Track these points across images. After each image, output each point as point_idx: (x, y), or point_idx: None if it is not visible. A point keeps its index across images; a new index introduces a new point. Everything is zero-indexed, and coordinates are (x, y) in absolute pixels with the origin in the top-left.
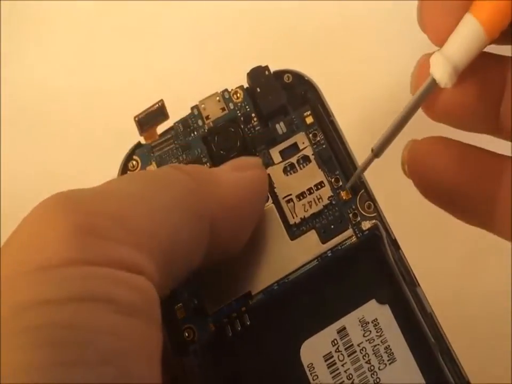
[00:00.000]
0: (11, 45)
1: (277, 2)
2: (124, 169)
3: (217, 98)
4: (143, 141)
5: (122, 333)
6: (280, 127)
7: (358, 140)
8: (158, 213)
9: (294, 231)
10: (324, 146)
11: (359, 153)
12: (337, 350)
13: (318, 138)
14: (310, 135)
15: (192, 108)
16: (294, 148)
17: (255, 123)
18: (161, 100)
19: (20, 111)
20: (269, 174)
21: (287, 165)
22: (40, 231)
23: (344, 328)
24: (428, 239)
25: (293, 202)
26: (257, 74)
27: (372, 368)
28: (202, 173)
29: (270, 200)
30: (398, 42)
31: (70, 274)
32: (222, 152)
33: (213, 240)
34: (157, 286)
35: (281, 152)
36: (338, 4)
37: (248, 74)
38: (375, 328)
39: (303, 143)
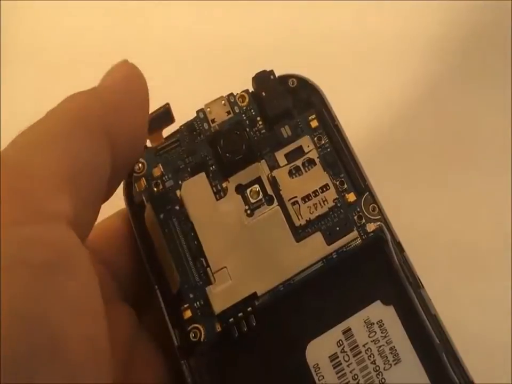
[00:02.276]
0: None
1: (281, 6)
2: (130, 172)
3: (223, 102)
4: (149, 144)
5: (42, 295)
6: (285, 131)
7: (361, 144)
8: (49, 147)
9: (300, 233)
10: (328, 149)
11: (363, 157)
12: (342, 351)
13: (323, 142)
14: (315, 138)
15: (197, 111)
16: (299, 151)
17: (260, 126)
18: (167, 103)
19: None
20: (274, 177)
21: (292, 167)
22: None
23: (350, 329)
24: (430, 244)
25: (299, 205)
26: (263, 79)
27: (377, 368)
28: (79, 94)
29: (276, 202)
30: (402, 52)
31: None
32: (228, 155)
33: (114, 147)
34: (75, 219)
35: (286, 155)
36: (345, 12)
37: (253, 78)
38: (380, 329)
39: (308, 146)
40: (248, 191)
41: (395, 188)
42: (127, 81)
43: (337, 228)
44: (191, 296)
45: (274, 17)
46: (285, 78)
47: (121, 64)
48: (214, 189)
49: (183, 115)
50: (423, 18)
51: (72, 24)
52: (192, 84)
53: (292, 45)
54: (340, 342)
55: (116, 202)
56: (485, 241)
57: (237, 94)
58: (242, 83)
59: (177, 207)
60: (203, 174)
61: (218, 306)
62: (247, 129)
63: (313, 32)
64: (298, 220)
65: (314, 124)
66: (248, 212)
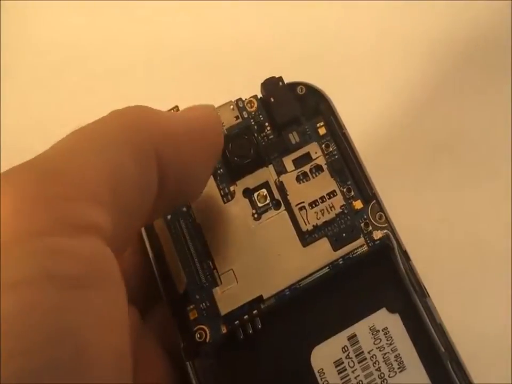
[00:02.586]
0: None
1: (290, 12)
2: None
3: (231, 106)
4: None
5: (71, 308)
6: (293, 137)
7: (368, 152)
8: (95, 155)
9: (306, 238)
10: (336, 157)
11: (369, 165)
12: (347, 357)
13: (331, 149)
14: (323, 145)
15: None
16: (307, 157)
17: (269, 132)
18: (176, 106)
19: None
20: (282, 181)
21: (299, 173)
22: None
23: (355, 335)
24: (436, 251)
25: (306, 210)
26: (271, 85)
27: (382, 375)
28: (139, 108)
29: (283, 207)
30: (407, 57)
31: (10, 256)
32: (236, 158)
33: (164, 174)
34: (112, 233)
35: (294, 161)
36: (349, 20)
37: (262, 84)
38: (386, 337)
39: (316, 152)
40: (255, 195)
41: (402, 196)
42: (201, 122)
43: (344, 234)
44: (197, 297)
45: (283, 24)
46: (293, 85)
47: (207, 106)
48: (222, 192)
49: None
50: (425, 23)
51: (74, 27)
52: (200, 88)
53: (299, 52)
54: (345, 348)
55: None
56: (490, 246)
57: (246, 99)
58: (251, 89)
59: (184, 209)
60: (211, 177)
61: (224, 307)
62: (255, 134)
63: (319, 39)
64: (305, 225)
65: (322, 131)
66: (255, 215)
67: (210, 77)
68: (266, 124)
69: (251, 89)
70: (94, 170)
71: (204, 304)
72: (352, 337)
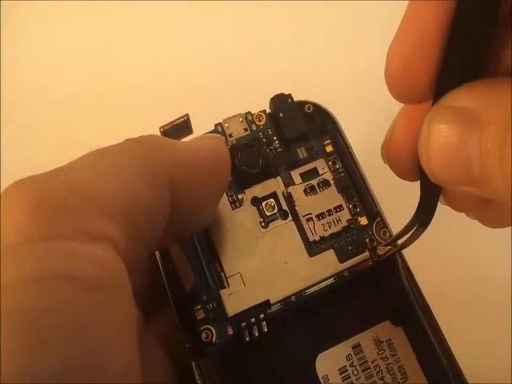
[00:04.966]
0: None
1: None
2: None
3: (240, 119)
4: None
5: (85, 309)
6: (301, 152)
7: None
8: (112, 176)
9: (313, 248)
10: (342, 174)
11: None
12: (351, 365)
13: (337, 166)
14: (329, 162)
15: (216, 125)
16: (314, 172)
17: (277, 145)
18: (187, 114)
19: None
20: (290, 193)
21: (307, 186)
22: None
23: (359, 344)
24: (437, 269)
25: (313, 221)
26: (281, 101)
27: None
28: (154, 138)
29: (290, 217)
30: None
31: (31, 254)
32: (244, 167)
33: (176, 202)
34: (123, 250)
35: (301, 175)
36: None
37: (271, 99)
38: (389, 348)
39: (323, 168)
40: (263, 204)
41: (405, 215)
42: (212, 153)
43: (350, 248)
44: (204, 297)
45: (292, 44)
46: (301, 104)
47: (216, 137)
48: (230, 198)
49: (201, 127)
50: None
51: (83, 49)
52: (211, 99)
53: (306, 71)
54: (349, 356)
55: None
56: (491, 262)
57: (254, 113)
58: (258, 104)
59: None
60: None
61: (231, 309)
62: (264, 146)
63: (327, 60)
64: (312, 235)
65: (329, 148)
66: (263, 224)
67: (218, 92)
68: (275, 138)
69: (255, 106)
70: (109, 189)
71: (210, 305)
72: (356, 346)
